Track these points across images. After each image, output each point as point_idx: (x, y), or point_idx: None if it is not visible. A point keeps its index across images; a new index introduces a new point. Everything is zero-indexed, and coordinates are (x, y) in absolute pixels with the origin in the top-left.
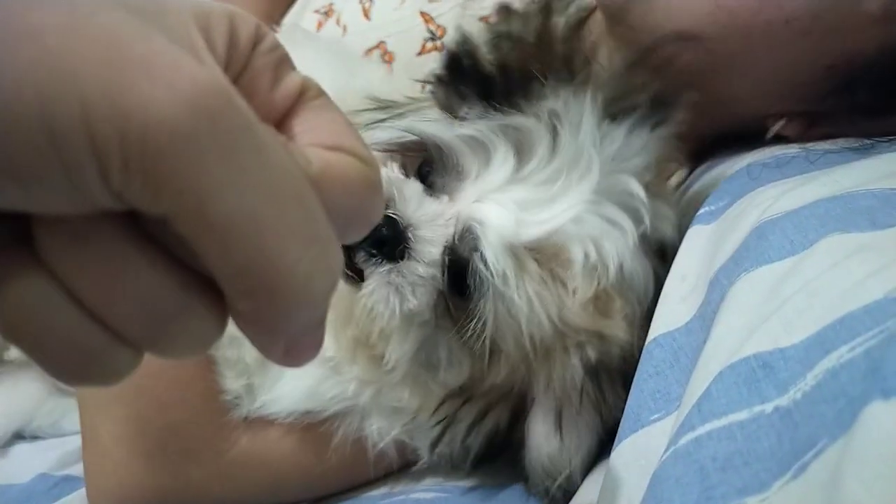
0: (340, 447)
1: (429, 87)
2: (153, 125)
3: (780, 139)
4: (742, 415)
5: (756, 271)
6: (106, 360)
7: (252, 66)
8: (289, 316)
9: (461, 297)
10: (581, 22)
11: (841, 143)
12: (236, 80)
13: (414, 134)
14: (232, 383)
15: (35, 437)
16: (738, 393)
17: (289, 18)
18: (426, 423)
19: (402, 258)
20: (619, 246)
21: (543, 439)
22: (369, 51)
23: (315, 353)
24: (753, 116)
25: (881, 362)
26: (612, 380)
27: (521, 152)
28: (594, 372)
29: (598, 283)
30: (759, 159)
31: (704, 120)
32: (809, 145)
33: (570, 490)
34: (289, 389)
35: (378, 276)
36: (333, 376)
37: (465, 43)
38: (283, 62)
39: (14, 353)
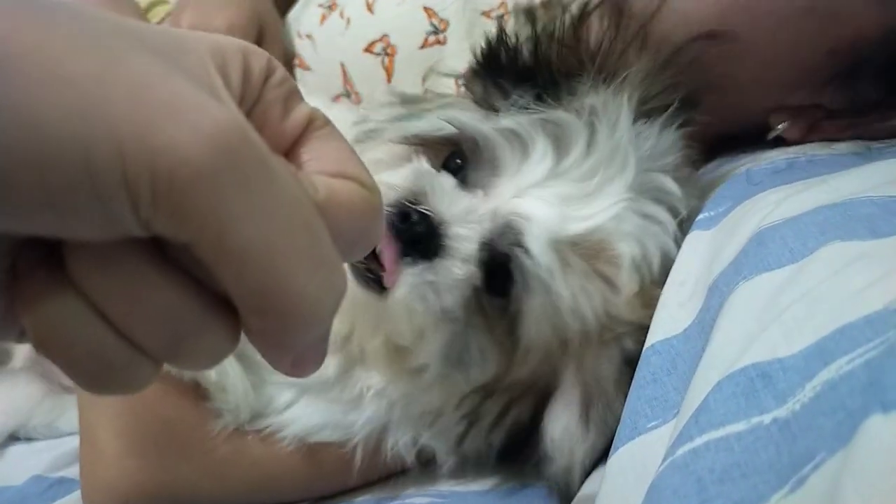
0: (350, 457)
1: (462, 82)
2: (179, 164)
3: (780, 143)
4: (740, 426)
5: (755, 279)
6: (128, 372)
7: (264, 99)
8: (297, 333)
9: (496, 294)
10: (616, 23)
11: (842, 148)
12: (249, 112)
13: (454, 125)
14: (218, 403)
15: (30, 439)
16: (736, 404)
17: (293, 13)
18: (450, 421)
19: (436, 256)
20: (659, 241)
21: (561, 427)
22: (372, 44)
23: (319, 365)
24: (756, 108)
25: (881, 375)
26: None
27: (559, 147)
28: (631, 363)
29: (643, 280)
30: (759, 164)
31: (709, 117)
32: (810, 151)
33: (567, 490)
34: (297, 415)
35: (413, 275)
36: (360, 404)
37: (503, 37)
38: (293, 94)
39: (18, 360)
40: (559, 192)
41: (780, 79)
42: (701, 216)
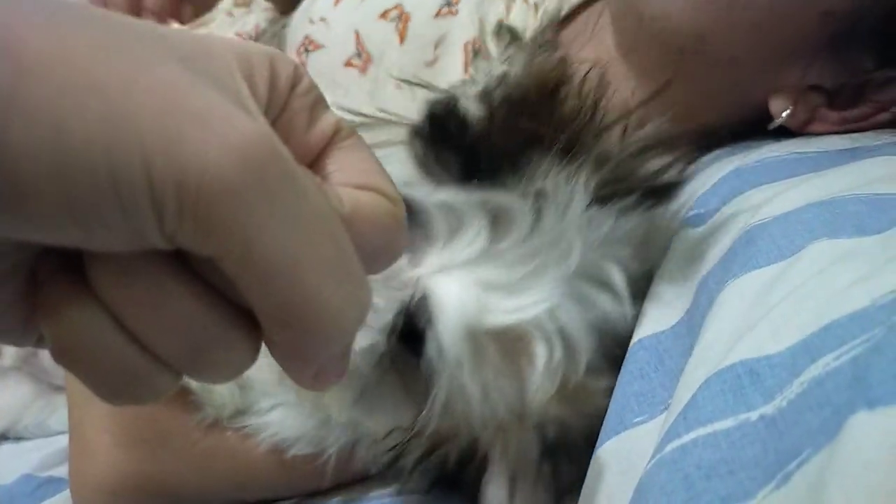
0: (324, 465)
1: (406, 137)
2: (207, 176)
3: (782, 136)
4: (727, 423)
5: (744, 277)
6: (148, 383)
7: (290, 108)
8: (320, 346)
9: (412, 355)
10: (596, 101)
11: (831, 145)
12: (275, 121)
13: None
14: (203, 400)
15: (19, 438)
16: (723, 401)
17: (303, 6)
18: (381, 448)
19: None
20: (598, 330)
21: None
22: (386, 12)
23: (341, 379)
24: (753, 84)
25: (866, 371)
26: (571, 456)
27: (497, 228)
28: (552, 452)
29: (567, 377)
30: (748, 162)
31: (705, 94)
32: (799, 149)
33: None
34: (275, 421)
35: None
36: (329, 420)
37: (453, 105)
38: (319, 103)
39: (7, 359)
40: (486, 277)
41: (774, 46)
42: (691, 213)
